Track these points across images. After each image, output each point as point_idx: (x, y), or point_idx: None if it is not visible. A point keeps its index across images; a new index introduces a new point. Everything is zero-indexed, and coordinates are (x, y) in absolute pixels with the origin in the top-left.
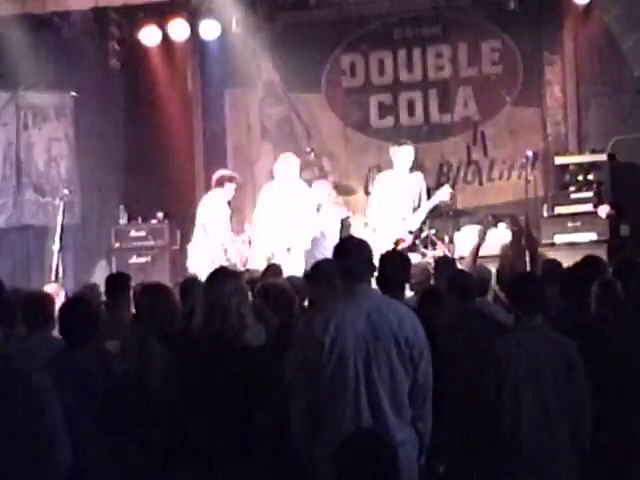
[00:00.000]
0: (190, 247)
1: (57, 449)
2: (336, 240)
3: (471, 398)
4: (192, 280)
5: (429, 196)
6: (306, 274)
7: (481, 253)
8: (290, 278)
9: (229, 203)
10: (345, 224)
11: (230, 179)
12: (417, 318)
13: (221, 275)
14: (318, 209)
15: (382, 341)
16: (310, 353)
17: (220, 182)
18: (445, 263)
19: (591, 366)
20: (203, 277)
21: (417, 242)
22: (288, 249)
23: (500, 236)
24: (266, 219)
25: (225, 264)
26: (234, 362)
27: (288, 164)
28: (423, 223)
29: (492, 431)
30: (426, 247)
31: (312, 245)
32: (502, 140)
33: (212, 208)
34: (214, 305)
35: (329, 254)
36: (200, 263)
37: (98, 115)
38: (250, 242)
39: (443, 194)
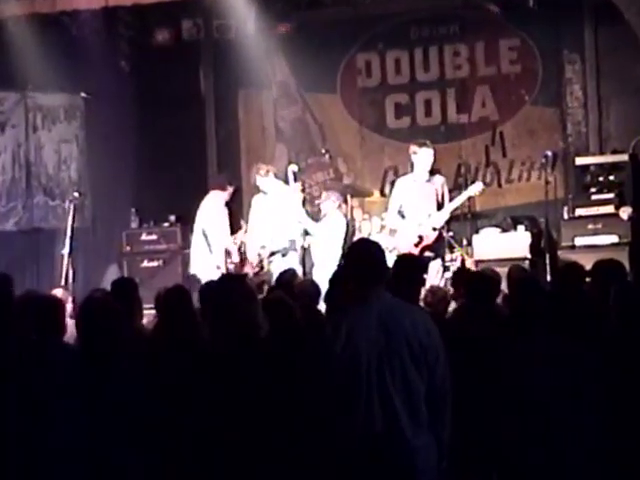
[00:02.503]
0: (192, 252)
1: None
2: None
3: (491, 400)
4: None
5: (451, 199)
6: (330, 280)
7: (500, 255)
8: (302, 283)
9: (228, 206)
10: (349, 230)
11: (230, 182)
12: (432, 321)
13: (228, 280)
14: (318, 219)
15: (395, 345)
16: (322, 359)
17: (221, 185)
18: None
19: (609, 375)
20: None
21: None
22: (272, 253)
23: (519, 239)
24: (255, 226)
25: (231, 267)
26: (255, 367)
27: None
28: (446, 222)
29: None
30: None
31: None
32: (521, 140)
33: (213, 212)
34: (225, 311)
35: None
36: (204, 268)
37: (109, 117)
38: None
39: (475, 189)
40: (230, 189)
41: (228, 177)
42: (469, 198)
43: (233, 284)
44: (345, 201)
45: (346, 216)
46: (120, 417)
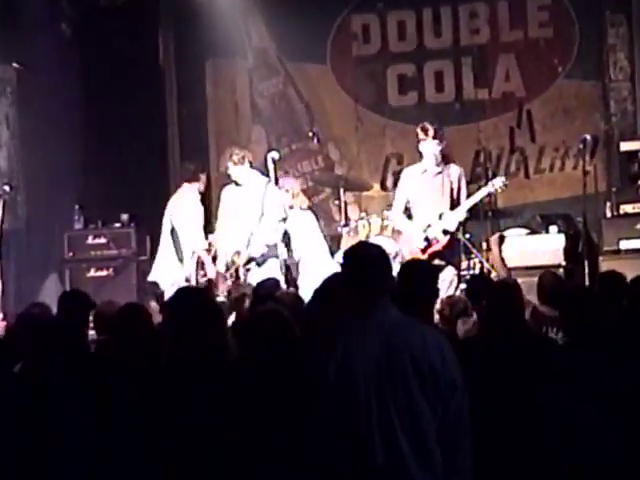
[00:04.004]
0: (157, 257)
1: None
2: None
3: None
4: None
5: (469, 195)
6: (315, 290)
7: (527, 262)
8: (285, 296)
9: (202, 201)
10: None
11: (202, 170)
12: (447, 342)
13: (185, 295)
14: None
15: (400, 371)
16: (312, 385)
17: (194, 175)
18: (479, 284)
19: None
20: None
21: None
22: (249, 260)
23: (552, 242)
24: (225, 225)
25: (203, 281)
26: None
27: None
28: (462, 223)
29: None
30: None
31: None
32: (553, 121)
33: (186, 211)
34: (181, 332)
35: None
36: (169, 280)
37: (47, 92)
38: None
39: (495, 185)
40: (203, 178)
41: (198, 164)
42: (488, 194)
43: (190, 299)
44: (337, 196)
45: (312, 202)
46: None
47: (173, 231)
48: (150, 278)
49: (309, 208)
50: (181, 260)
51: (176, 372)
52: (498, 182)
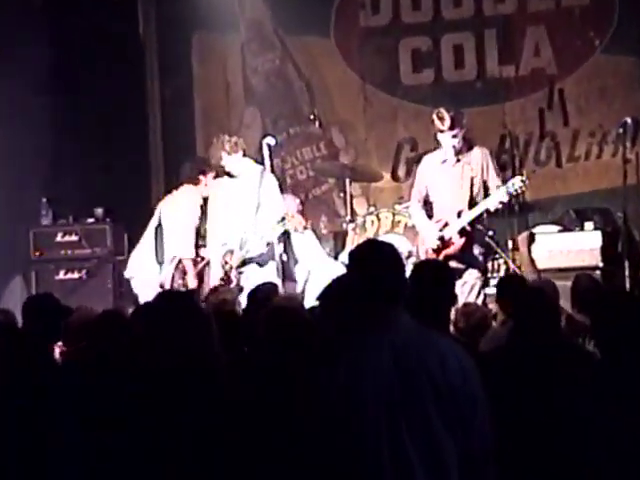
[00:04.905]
0: (134, 256)
1: None
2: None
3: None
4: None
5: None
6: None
7: (560, 263)
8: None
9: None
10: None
11: (204, 170)
12: (469, 357)
13: (168, 300)
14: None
15: (415, 390)
16: (313, 407)
17: (192, 178)
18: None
19: None
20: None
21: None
22: (244, 261)
23: (587, 240)
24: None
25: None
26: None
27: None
28: (477, 220)
29: None
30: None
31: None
32: (589, 103)
33: (179, 211)
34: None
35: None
36: (144, 280)
37: (12, 70)
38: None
39: (515, 185)
40: (204, 179)
41: (199, 161)
42: (510, 196)
43: (174, 304)
44: (342, 188)
45: (308, 224)
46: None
47: (158, 229)
48: (127, 274)
49: (306, 229)
50: (160, 263)
51: (174, 373)
52: (517, 183)
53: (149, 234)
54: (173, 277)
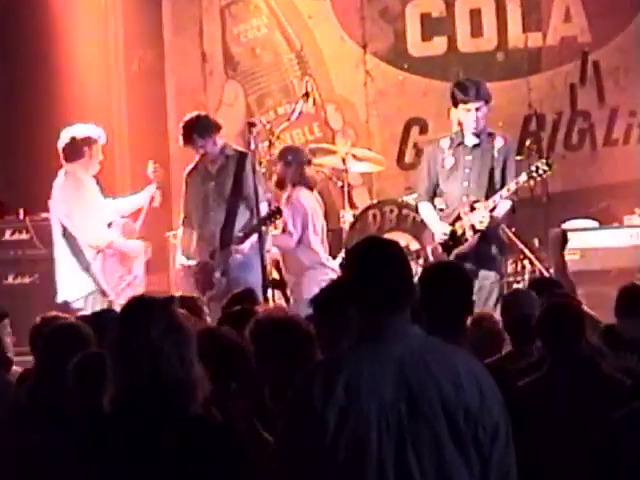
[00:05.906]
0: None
1: None
2: None
3: None
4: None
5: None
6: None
7: (595, 265)
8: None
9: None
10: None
11: (90, 141)
12: (488, 374)
13: (140, 309)
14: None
15: (425, 413)
16: (307, 431)
17: (76, 150)
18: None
19: None
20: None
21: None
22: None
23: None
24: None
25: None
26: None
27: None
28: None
29: None
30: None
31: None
32: (628, 77)
33: (72, 201)
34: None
35: None
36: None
37: None
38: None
39: (539, 170)
40: (96, 151)
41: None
42: (530, 178)
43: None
44: (340, 177)
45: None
46: None
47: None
48: (60, 298)
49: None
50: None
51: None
52: (541, 166)
53: (58, 243)
54: (106, 275)
